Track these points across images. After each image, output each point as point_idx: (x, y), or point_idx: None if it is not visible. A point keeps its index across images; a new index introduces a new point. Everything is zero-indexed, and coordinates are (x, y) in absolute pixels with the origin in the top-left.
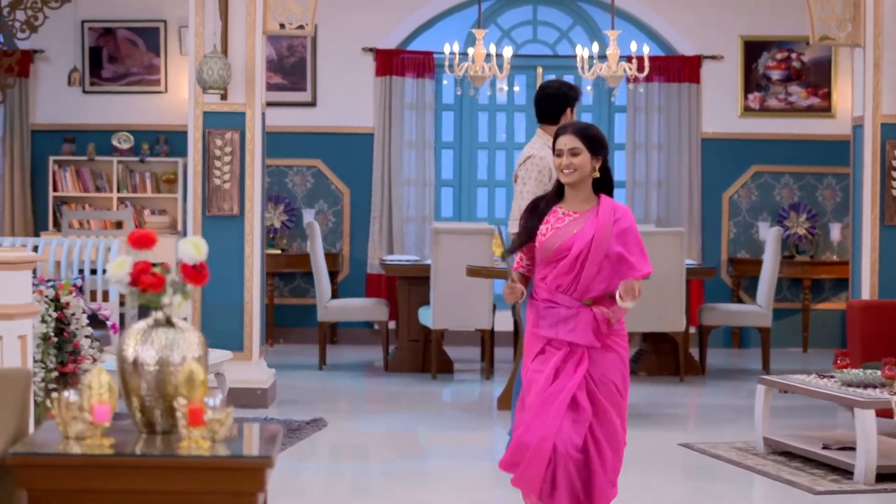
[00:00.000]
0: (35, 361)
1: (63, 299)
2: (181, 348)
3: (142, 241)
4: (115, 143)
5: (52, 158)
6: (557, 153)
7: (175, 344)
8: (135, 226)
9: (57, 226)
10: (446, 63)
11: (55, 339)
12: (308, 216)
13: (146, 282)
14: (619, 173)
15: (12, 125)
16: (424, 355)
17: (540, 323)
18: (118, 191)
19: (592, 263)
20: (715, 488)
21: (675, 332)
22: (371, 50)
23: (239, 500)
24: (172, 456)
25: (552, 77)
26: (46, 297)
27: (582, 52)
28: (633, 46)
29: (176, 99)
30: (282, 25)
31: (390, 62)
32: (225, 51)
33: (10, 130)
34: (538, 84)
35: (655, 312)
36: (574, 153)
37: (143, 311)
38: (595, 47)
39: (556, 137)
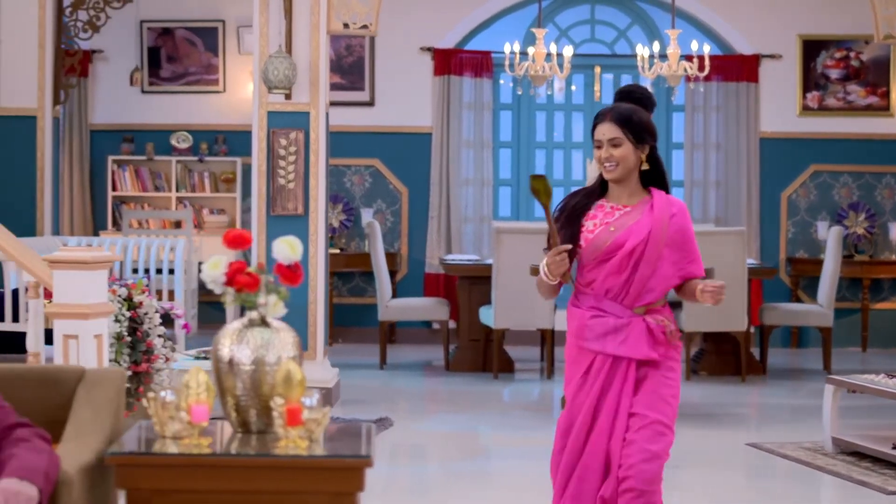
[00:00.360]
0: (109, 361)
1: (136, 299)
2: (276, 348)
3: (237, 241)
4: (173, 142)
5: (111, 158)
6: (597, 144)
7: (270, 344)
8: (193, 225)
9: (116, 225)
10: (506, 62)
11: (128, 339)
12: (366, 216)
13: (241, 281)
14: (677, 173)
15: (71, 125)
16: (485, 355)
17: (585, 334)
18: (177, 190)
19: (647, 263)
20: (786, 488)
21: (736, 332)
22: (429, 49)
23: (339, 500)
24: (272, 456)
25: (609, 76)
26: (119, 296)
27: (642, 51)
28: (694, 45)
29: (234, 98)
30: (346, 25)
31: (448, 62)
32: (289, 50)
33: (69, 130)
34: (596, 84)
35: (717, 312)
36: (615, 144)
37: (203, 312)
38: (656, 46)
39: (594, 125)
